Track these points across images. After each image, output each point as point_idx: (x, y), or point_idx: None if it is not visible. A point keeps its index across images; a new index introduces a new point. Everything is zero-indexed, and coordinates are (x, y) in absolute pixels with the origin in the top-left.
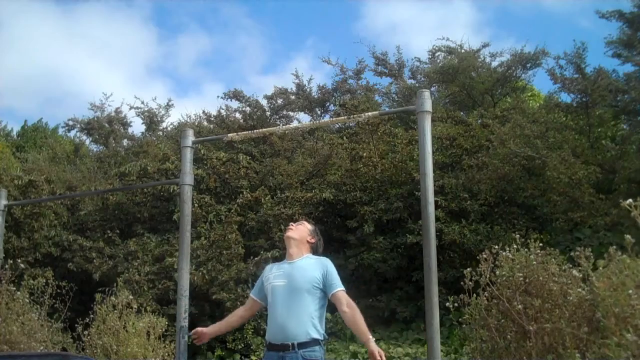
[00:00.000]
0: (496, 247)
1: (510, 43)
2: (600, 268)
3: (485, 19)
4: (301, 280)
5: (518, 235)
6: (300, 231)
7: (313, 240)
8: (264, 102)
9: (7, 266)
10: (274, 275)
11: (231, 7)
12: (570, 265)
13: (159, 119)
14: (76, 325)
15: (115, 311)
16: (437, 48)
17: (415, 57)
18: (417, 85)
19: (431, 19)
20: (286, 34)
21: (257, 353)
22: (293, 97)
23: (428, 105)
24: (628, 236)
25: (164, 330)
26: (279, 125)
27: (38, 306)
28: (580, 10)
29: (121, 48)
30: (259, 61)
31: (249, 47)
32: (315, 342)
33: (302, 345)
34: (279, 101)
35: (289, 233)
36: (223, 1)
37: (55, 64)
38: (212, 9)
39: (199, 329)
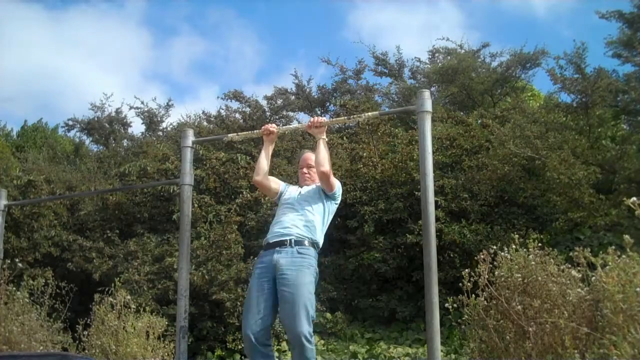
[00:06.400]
0: (494, 247)
1: (497, 47)
2: (610, 264)
3: (473, 23)
4: (307, 197)
5: (517, 236)
6: (315, 176)
7: None
8: (263, 103)
9: (5, 266)
10: (286, 197)
11: (221, 11)
12: (569, 266)
13: (159, 119)
14: (77, 325)
15: (114, 311)
16: (436, 49)
17: (415, 57)
18: (417, 85)
19: (418, 24)
20: (277, 44)
21: None
22: (293, 97)
23: (428, 105)
24: (627, 236)
25: (163, 330)
26: (279, 125)
27: (38, 306)
28: (564, 17)
29: (115, 53)
30: (254, 67)
31: (242, 54)
32: (310, 243)
33: (298, 242)
34: (279, 101)
35: (308, 182)
36: (213, 6)
37: (47, 68)
38: (201, 13)
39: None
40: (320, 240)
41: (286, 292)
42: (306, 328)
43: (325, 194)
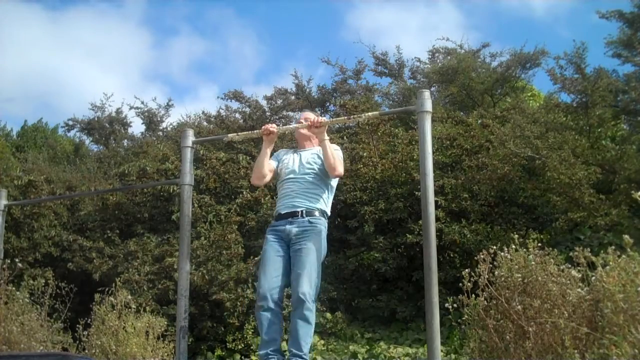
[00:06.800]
0: (494, 247)
1: (497, 47)
2: (611, 263)
3: (472, 23)
4: (309, 170)
5: (517, 236)
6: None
7: None
8: (263, 103)
9: (5, 266)
10: (286, 171)
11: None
12: (569, 266)
13: (159, 119)
14: (77, 325)
15: (114, 311)
16: (436, 49)
17: (415, 57)
18: (417, 85)
19: (417, 24)
20: (277, 44)
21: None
22: (293, 97)
23: (428, 105)
24: (627, 236)
25: (163, 330)
26: (279, 125)
27: (38, 306)
28: (563, 17)
29: (115, 53)
30: (254, 67)
31: (241, 54)
32: (320, 213)
33: (309, 213)
34: (279, 102)
35: (303, 131)
36: (212, 6)
37: (47, 69)
38: (200, 13)
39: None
40: (329, 209)
41: (297, 256)
42: (307, 289)
43: (329, 177)
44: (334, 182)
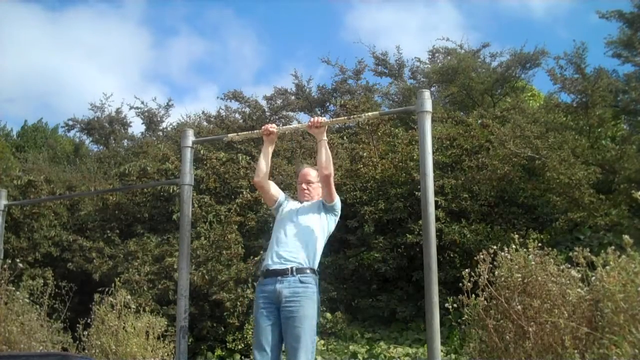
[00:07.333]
0: (494, 247)
1: (497, 47)
2: (611, 263)
3: (472, 23)
4: (307, 211)
5: (517, 236)
6: (315, 192)
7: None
8: (263, 103)
9: (5, 266)
10: (285, 210)
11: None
12: (569, 266)
13: (159, 119)
14: (77, 325)
15: (114, 311)
16: (436, 49)
17: (415, 57)
18: (417, 85)
19: (417, 24)
20: (276, 44)
21: None
22: (293, 97)
23: (428, 105)
24: (626, 236)
25: (163, 330)
26: (279, 125)
27: (38, 306)
28: (562, 18)
29: (115, 53)
30: (253, 67)
31: (241, 54)
32: (311, 270)
33: (300, 270)
34: (279, 102)
35: (307, 198)
36: (212, 6)
37: (47, 69)
38: (200, 13)
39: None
40: (317, 261)
41: (290, 325)
42: None
43: (325, 207)
44: (330, 227)
